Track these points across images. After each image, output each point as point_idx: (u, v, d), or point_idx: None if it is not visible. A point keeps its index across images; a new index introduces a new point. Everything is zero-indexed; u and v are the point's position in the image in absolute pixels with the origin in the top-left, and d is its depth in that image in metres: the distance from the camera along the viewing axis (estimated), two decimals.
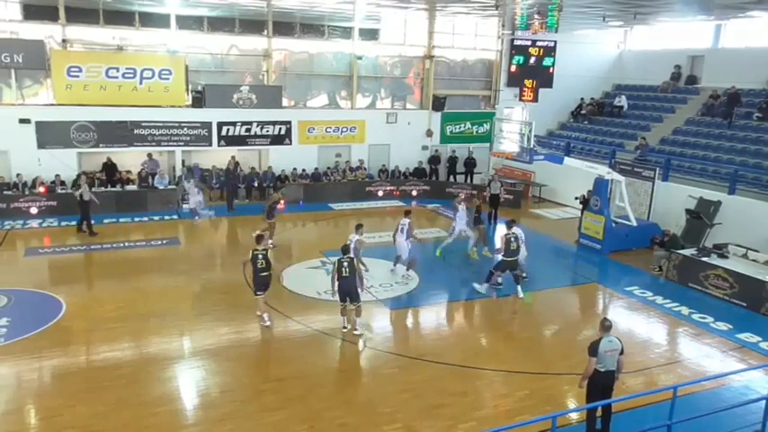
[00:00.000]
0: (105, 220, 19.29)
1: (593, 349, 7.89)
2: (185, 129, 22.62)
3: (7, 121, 20.21)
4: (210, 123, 22.88)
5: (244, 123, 23.36)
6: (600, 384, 7.98)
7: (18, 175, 20.46)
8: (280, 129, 24.10)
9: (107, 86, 21.29)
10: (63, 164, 20.90)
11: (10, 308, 12.10)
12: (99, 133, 21.42)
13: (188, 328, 11.62)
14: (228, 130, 23.23)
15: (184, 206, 20.72)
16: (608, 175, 17.95)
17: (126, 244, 17.24)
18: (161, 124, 22.21)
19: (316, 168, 24.63)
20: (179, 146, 22.73)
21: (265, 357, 10.69)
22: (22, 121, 20.38)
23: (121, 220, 19.84)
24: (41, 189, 20.26)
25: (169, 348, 10.85)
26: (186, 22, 22.79)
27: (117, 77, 21.42)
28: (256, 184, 23.26)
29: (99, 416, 8.51)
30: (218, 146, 23.23)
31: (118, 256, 16.21)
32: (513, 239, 13.33)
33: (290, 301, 13.12)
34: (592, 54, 28.78)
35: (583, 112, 28.41)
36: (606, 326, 7.99)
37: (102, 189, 21.00)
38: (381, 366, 10.44)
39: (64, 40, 21.23)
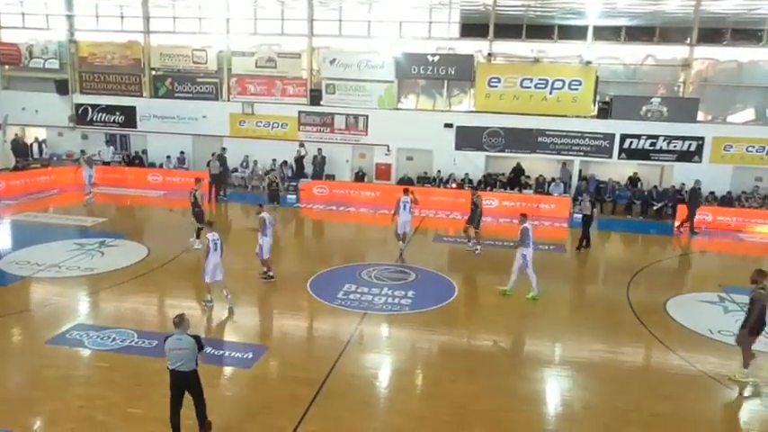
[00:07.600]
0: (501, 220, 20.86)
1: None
2: (587, 139, 22.65)
3: (435, 125, 23.52)
4: (614, 135, 22.39)
5: (649, 137, 22.16)
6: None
7: (438, 171, 23.69)
8: (690, 144, 22.07)
9: (520, 96, 22.83)
10: (473, 165, 23.35)
11: (416, 283, 14.13)
12: (507, 139, 23.15)
13: (562, 336, 11.73)
14: (632, 142, 22.36)
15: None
16: None
17: (512, 244, 18.14)
18: (564, 133, 22.73)
19: (729, 192, 21.80)
20: (578, 156, 22.92)
21: (639, 386, 10.01)
22: (447, 125, 23.45)
23: (515, 221, 20.96)
24: (454, 185, 23.06)
25: (541, 351, 11.15)
26: (603, 33, 22.77)
27: (530, 87, 22.77)
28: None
29: (472, 396, 9.27)
30: (618, 158, 22.59)
31: (504, 255, 17.19)
32: None
33: (676, 333, 12.00)
34: None
35: None
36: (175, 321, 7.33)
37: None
38: None
39: (489, 54, 23.54)
